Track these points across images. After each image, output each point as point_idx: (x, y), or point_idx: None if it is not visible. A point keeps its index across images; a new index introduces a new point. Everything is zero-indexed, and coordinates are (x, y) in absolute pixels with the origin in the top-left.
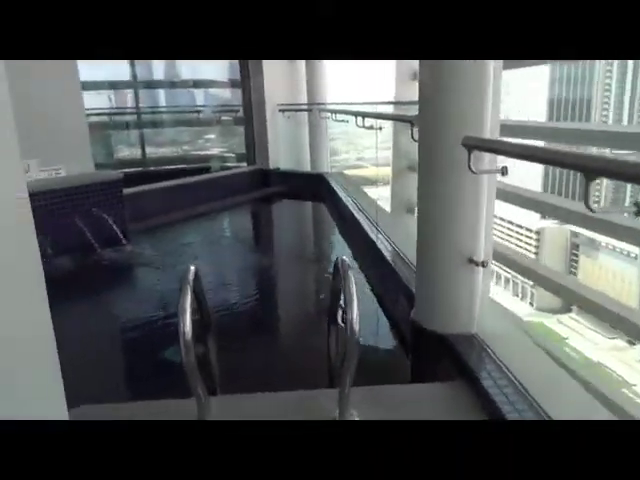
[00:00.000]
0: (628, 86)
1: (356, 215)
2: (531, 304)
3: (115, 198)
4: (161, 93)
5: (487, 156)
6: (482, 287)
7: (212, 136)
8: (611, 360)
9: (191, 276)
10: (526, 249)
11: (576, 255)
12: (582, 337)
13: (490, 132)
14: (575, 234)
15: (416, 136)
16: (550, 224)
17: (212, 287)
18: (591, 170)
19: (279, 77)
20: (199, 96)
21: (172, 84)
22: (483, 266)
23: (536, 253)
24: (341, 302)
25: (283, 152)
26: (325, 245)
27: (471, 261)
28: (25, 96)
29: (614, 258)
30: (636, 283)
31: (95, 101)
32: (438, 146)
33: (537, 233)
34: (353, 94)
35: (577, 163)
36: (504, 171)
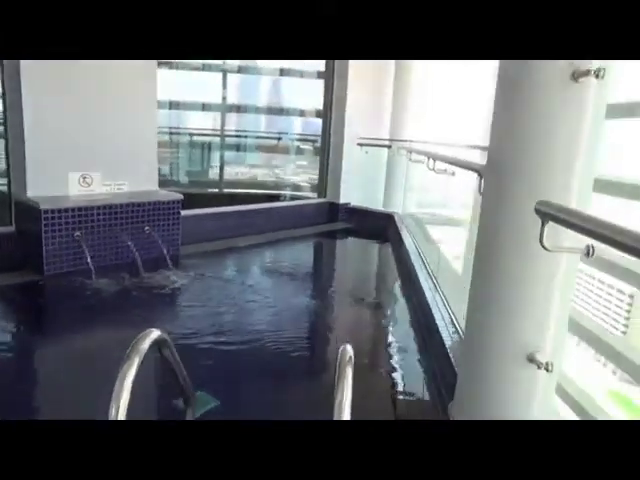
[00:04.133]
0: None
1: (417, 268)
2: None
3: (171, 220)
4: (246, 117)
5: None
6: (547, 395)
7: (291, 164)
8: None
9: (145, 343)
10: (615, 318)
11: None
12: None
13: (579, 191)
14: None
15: None
16: None
17: (245, 326)
18: None
19: (362, 109)
20: (284, 123)
21: (258, 109)
22: (547, 369)
23: (626, 325)
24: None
25: (356, 187)
26: (373, 292)
27: (532, 361)
28: (101, 109)
29: None
30: None
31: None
32: (504, 208)
33: (631, 297)
34: (447, 132)
35: None
36: (590, 251)
